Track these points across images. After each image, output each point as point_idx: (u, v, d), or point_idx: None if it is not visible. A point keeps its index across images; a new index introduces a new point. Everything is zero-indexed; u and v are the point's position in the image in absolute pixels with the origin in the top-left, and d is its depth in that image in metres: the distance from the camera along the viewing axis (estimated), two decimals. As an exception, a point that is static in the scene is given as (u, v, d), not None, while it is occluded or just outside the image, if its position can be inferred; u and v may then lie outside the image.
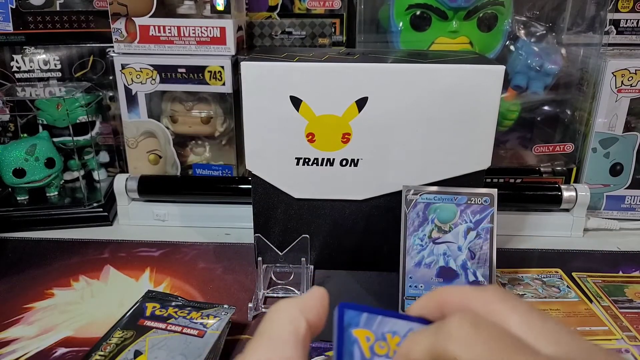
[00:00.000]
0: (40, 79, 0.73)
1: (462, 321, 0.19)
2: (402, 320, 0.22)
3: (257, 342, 0.20)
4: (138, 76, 0.66)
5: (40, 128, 0.71)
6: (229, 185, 0.68)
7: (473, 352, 0.18)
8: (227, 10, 0.64)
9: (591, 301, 0.54)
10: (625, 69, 0.63)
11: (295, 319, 0.21)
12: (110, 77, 0.69)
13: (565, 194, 0.65)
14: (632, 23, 0.72)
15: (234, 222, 0.67)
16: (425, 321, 0.22)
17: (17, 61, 0.72)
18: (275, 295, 0.54)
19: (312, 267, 0.57)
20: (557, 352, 0.18)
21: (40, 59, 0.73)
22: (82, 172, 0.73)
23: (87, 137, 0.71)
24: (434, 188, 0.50)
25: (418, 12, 0.63)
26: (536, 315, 0.19)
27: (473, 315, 0.19)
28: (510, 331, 0.18)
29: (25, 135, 0.70)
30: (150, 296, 0.49)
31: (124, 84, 0.66)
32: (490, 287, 0.21)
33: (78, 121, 0.70)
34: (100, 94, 0.73)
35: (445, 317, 0.20)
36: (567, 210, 0.67)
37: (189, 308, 0.47)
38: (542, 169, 0.71)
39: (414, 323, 0.22)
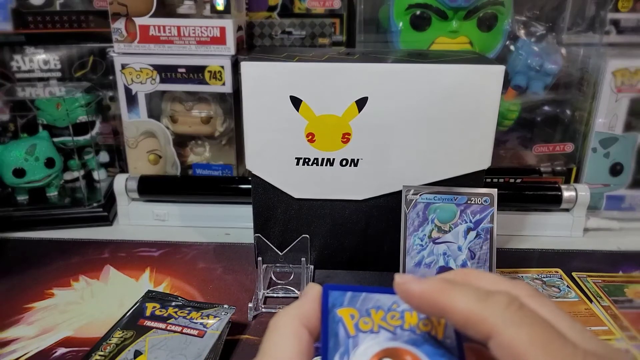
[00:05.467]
0: (40, 79, 0.73)
1: (511, 301, 0.19)
2: (386, 294, 0.23)
3: None
4: (138, 76, 0.66)
5: (40, 128, 0.71)
6: (229, 185, 0.68)
7: (517, 333, 0.18)
8: (227, 10, 0.64)
9: (591, 301, 0.54)
10: (625, 68, 0.63)
11: (296, 332, 0.21)
12: (110, 77, 0.69)
13: (565, 193, 0.65)
14: (632, 23, 0.72)
15: (234, 222, 0.67)
16: None
17: (17, 61, 0.72)
18: (275, 295, 0.54)
19: (312, 267, 0.57)
20: (588, 349, 0.18)
21: (40, 59, 0.73)
22: (82, 172, 0.73)
23: (87, 137, 0.71)
24: (434, 188, 0.50)
25: (418, 12, 0.63)
26: (564, 314, 0.20)
27: (520, 299, 0.19)
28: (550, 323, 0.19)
29: (25, 135, 0.70)
30: (150, 296, 0.49)
31: (124, 84, 0.66)
32: (521, 282, 0.21)
33: (78, 121, 0.70)
34: (100, 94, 0.73)
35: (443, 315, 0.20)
36: (567, 210, 0.67)
37: (189, 308, 0.47)
38: (542, 168, 0.71)
39: (397, 296, 0.22)
